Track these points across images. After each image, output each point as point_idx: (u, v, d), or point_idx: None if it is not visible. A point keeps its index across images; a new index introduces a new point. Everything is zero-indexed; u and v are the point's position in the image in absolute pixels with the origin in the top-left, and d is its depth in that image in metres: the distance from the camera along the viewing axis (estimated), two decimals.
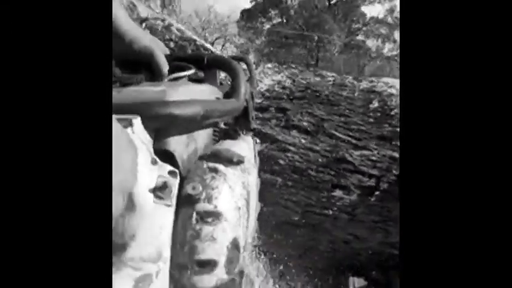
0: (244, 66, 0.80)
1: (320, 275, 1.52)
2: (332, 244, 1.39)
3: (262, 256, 1.37)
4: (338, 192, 1.31)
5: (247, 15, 11.06)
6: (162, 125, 0.52)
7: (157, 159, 0.49)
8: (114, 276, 0.43)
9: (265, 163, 1.30)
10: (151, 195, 0.47)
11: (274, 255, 1.42)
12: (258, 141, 1.06)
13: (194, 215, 0.50)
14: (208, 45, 0.71)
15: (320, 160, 1.31)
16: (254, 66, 1.46)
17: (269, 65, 1.58)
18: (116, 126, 0.38)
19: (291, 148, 1.31)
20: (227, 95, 0.65)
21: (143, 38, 0.65)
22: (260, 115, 1.34)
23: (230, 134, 0.80)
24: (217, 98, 0.64)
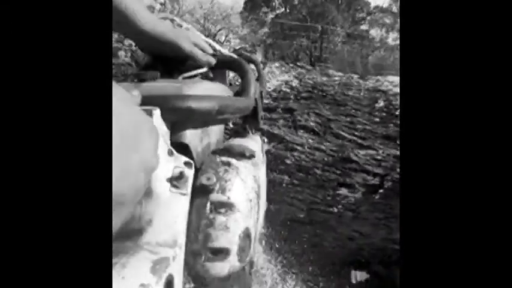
0: (253, 67, 0.83)
1: (324, 269, 1.56)
2: (336, 240, 1.43)
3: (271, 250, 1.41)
4: (343, 191, 1.35)
5: (250, 5, 10.97)
6: (180, 118, 0.54)
7: (174, 151, 0.51)
8: (131, 259, 0.45)
9: (273, 162, 1.33)
10: (168, 184, 0.49)
11: (281, 250, 1.46)
12: (266, 140, 1.10)
13: (208, 204, 0.53)
14: (217, 46, 0.73)
15: (326, 159, 1.34)
16: (262, 65, 1.48)
17: (276, 64, 1.60)
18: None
19: (298, 148, 1.35)
20: (237, 94, 0.68)
21: (167, 33, 0.65)
22: (268, 115, 1.37)
23: (239, 132, 0.83)
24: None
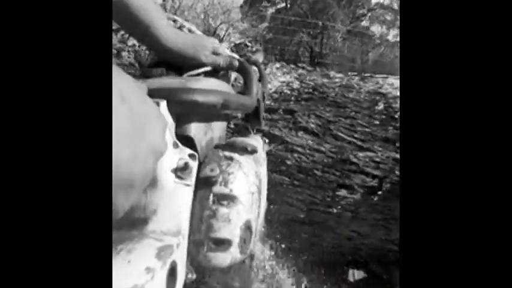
0: (255, 68, 0.84)
1: (323, 267, 1.59)
2: (335, 240, 1.45)
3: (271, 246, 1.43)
4: (342, 192, 1.37)
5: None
6: (185, 111, 0.56)
7: (179, 143, 0.53)
8: (136, 245, 0.45)
9: (273, 163, 1.35)
10: (173, 175, 0.51)
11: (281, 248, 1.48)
12: (267, 141, 1.12)
13: (211, 196, 0.54)
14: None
15: (326, 161, 1.36)
16: (263, 66, 1.49)
17: (277, 65, 1.62)
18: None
19: (298, 149, 1.36)
20: (240, 94, 0.69)
21: (189, 49, 0.65)
22: (269, 116, 1.39)
23: (241, 132, 0.84)
24: None
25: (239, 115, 1.22)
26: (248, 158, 0.61)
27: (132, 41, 1.59)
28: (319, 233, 1.43)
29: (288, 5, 10.92)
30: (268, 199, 0.81)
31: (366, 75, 1.87)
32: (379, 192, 1.35)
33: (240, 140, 0.65)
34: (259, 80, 0.78)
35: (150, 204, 0.50)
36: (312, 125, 1.38)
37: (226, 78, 0.77)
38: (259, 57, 1.87)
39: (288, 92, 1.44)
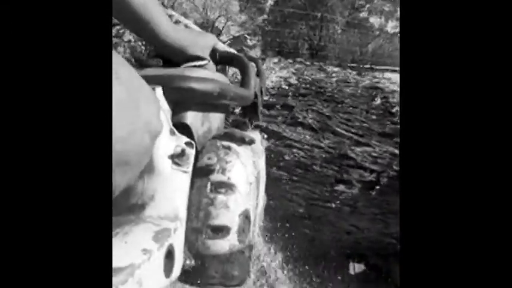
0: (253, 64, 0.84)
1: (323, 260, 1.60)
2: (335, 234, 1.46)
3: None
4: (341, 187, 1.38)
5: None
6: (182, 98, 0.56)
7: (176, 131, 0.53)
8: (133, 228, 0.46)
9: (272, 159, 1.36)
10: (170, 161, 0.51)
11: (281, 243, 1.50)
12: (265, 136, 1.12)
13: (209, 184, 0.55)
14: (219, 44, 0.75)
15: (324, 156, 1.37)
16: (261, 61, 1.49)
17: (275, 60, 1.62)
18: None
19: (296, 144, 1.37)
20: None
21: (190, 47, 0.65)
22: (267, 112, 1.39)
23: (239, 126, 0.85)
24: None
25: (237, 110, 1.22)
26: (246, 148, 0.62)
27: (128, 36, 1.59)
28: (319, 227, 1.44)
29: None
30: (267, 194, 0.81)
31: (366, 66, 1.87)
32: (377, 187, 1.36)
33: (237, 130, 0.66)
34: (257, 75, 0.78)
35: (147, 190, 0.50)
36: (310, 121, 1.38)
37: (223, 72, 0.78)
38: (257, 52, 1.87)
39: (286, 87, 1.44)
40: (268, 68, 1.53)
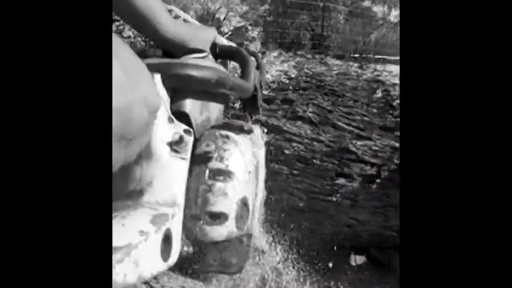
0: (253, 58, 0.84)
1: (324, 253, 1.61)
2: (335, 227, 1.47)
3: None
4: (341, 180, 1.38)
5: None
6: (180, 85, 0.56)
7: (174, 119, 0.54)
8: (131, 212, 0.47)
9: (272, 153, 1.36)
10: (168, 148, 0.52)
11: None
12: (265, 130, 1.12)
13: (207, 172, 0.55)
14: (219, 38, 0.75)
15: (324, 150, 1.37)
16: (261, 55, 1.48)
17: (275, 54, 1.61)
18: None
19: (297, 139, 1.37)
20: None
21: (190, 41, 0.66)
22: (267, 106, 1.39)
23: (240, 119, 0.85)
24: None
25: (237, 105, 1.22)
26: (245, 138, 0.62)
27: (127, 32, 1.59)
28: (320, 220, 1.45)
29: None
30: (267, 188, 0.82)
31: (369, 56, 1.85)
32: (378, 180, 1.36)
33: (236, 120, 0.66)
34: (257, 69, 0.78)
35: (145, 176, 0.51)
36: (310, 114, 1.38)
37: (224, 66, 0.78)
38: (257, 45, 1.86)
39: (286, 81, 1.44)
40: (269, 61, 1.53)
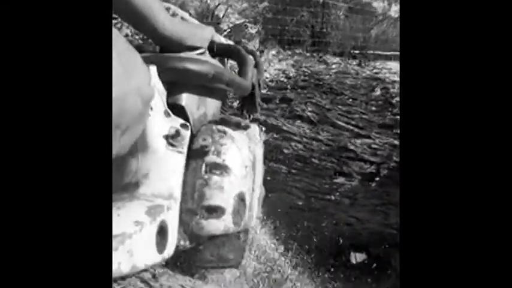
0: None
1: (324, 251, 1.62)
2: (335, 226, 1.47)
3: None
4: (340, 179, 1.38)
5: None
6: (177, 78, 0.56)
7: (170, 112, 0.54)
8: (126, 203, 0.47)
9: (271, 152, 1.36)
10: (164, 141, 0.52)
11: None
12: (263, 129, 1.12)
13: (204, 166, 0.55)
14: (216, 37, 0.75)
15: (323, 148, 1.36)
16: (259, 54, 1.48)
17: (273, 52, 1.60)
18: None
19: (295, 138, 1.37)
20: None
21: (188, 39, 0.65)
22: (265, 105, 1.39)
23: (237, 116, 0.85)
24: None
25: (235, 104, 1.22)
26: (241, 134, 0.62)
27: (125, 30, 1.58)
28: (319, 219, 1.44)
29: None
30: (266, 187, 0.82)
31: (369, 52, 1.85)
32: (377, 179, 1.36)
33: (233, 116, 0.66)
34: (255, 67, 0.78)
35: (141, 169, 0.51)
36: (309, 113, 1.38)
37: (221, 63, 0.78)
38: (255, 44, 1.85)
39: (284, 80, 1.44)
40: (267, 60, 1.52)
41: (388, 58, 1.90)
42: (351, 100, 1.41)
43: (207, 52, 0.71)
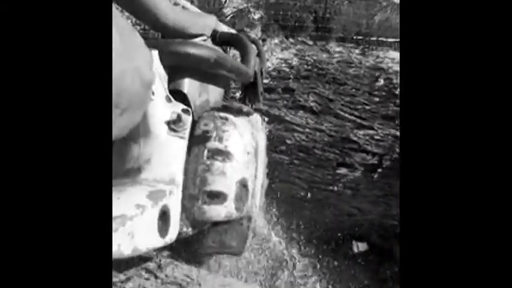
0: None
1: (325, 242, 1.62)
2: (337, 216, 1.47)
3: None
4: (343, 170, 1.37)
5: None
6: (178, 63, 0.56)
7: (172, 98, 0.54)
8: (128, 188, 0.47)
9: (273, 143, 1.35)
10: (166, 127, 0.52)
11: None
12: (266, 119, 1.11)
13: (206, 152, 0.55)
14: (219, 25, 0.74)
15: (326, 139, 1.36)
16: (261, 42, 1.46)
17: (276, 41, 1.58)
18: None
19: (298, 128, 1.36)
20: None
21: (190, 27, 0.65)
22: (268, 96, 1.38)
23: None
24: None
25: (237, 94, 1.21)
26: (243, 120, 0.61)
27: None
28: (321, 210, 1.45)
29: None
30: (269, 178, 0.81)
31: (372, 39, 1.83)
32: (379, 170, 1.36)
33: (235, 103, 0.65)
34: (258, 56, 0.77)
35: (143, 155, 0.51)
36: (312, 104, 1.37)
37: (223, 51, 0.77)
38: (257, 31, 1.83)
39: (287, 69, 1.42)
40: (269, 49, 1.51)
41: (391, 45, 1.87)
42: (354, 90, 1.39)
43: (210, 40, 0.70)
